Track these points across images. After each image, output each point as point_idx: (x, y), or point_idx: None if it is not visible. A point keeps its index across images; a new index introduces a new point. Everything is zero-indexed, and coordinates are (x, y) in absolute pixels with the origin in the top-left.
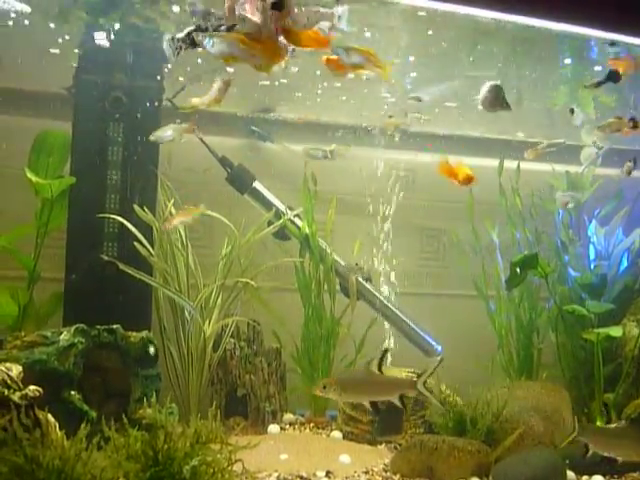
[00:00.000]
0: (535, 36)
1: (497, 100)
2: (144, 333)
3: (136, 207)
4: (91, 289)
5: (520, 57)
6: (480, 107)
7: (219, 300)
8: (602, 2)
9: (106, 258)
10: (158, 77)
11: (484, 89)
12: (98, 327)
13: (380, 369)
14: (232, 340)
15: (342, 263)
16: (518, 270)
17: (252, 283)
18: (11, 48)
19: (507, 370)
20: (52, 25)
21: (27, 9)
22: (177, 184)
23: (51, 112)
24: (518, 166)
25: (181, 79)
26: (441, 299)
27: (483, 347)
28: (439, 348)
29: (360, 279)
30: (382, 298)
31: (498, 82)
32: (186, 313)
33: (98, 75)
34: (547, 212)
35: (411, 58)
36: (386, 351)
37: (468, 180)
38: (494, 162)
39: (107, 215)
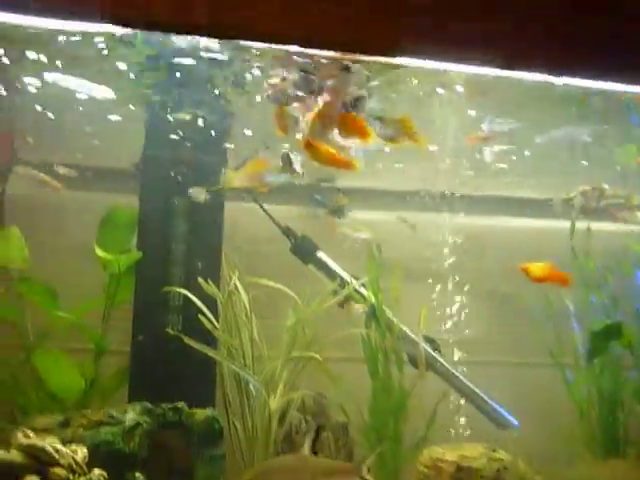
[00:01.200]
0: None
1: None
2: (209, 410)
3: (200, 280)
4: (156, 363)
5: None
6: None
7: (285, 373)
8: None
9: (171, 332)
10: (222, 151)
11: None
12: (163, 406)
13: (315, 452)
14: (298, 414)
15: (409, 333)
16: (600, 340)
17: (317, 357)
18: (83, 125)
19: (589, 446)
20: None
21: (111, 95)
22: (242, 254)
23: (120, 187)
24: (589, 228)
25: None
26: (513, 368)
27: (561, 420)
28: (515, 421)
29: (428, 349)
30: (452, 369)
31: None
32: (251, 387)
33: (164, 151)
34: (624, 275)
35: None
36: (320, 428)
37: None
38: (565, 224)
39: (172, 288)
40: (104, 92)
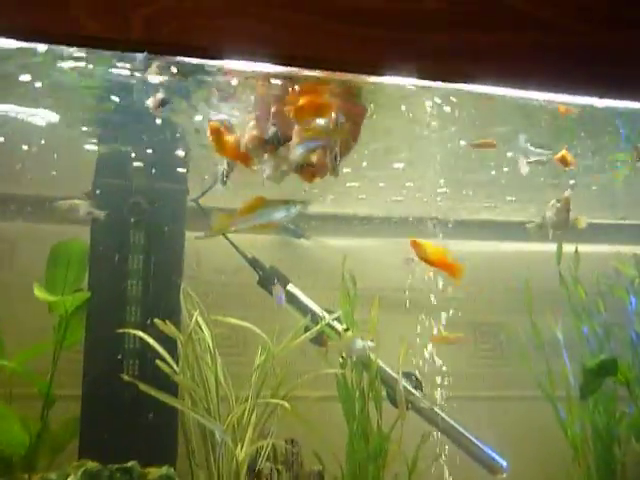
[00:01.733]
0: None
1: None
2: (164, 469)
3: (157, 321)
4: (109, 413)
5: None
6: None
7: (253, 417)
8: None
9: (126, 378)
10: (181, 178)
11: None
12: (111, 467)
13: None
14: (268, 464)
15: (388, 369)
16: (594, 377)
17: (285, 404)
18: (30, 154)
19: None
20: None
21: (55, 118)
22: (206, 287)
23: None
24: (576, 250)
25: (206, 177)
26: (500, 403)
27: (554, 458)
28: (504, 464)
29: (409, 386)
30: (435, 407)
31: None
32: (216, 436)
33: (117, 179)
34: (616, 300)
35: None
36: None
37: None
38: (551, 247)
39: (127, 330)
40: (48, 116)
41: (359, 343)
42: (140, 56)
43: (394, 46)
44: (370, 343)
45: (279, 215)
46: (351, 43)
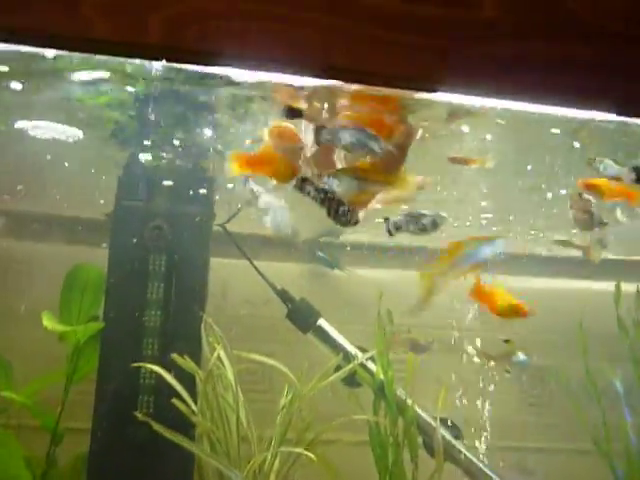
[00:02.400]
0: None
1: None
2: None
3: (176, 356)
4: (119, 453)
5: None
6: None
7: (276, 463)
8: None
9: (139, 416)
10: (207, 201)
11: None
12: None
13: None
14: None
15: (425, 415)
16: None
17: (311, 455)
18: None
19: None
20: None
21: (79, 134)
22: (232, 318)
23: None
24: (638, 290)
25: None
26: (550, 455)
27: None
28: None
29: (448, 435)
30: (476, 459)
31: None
32: None
33: (138, 200)
34: None
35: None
36: None
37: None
38: (609, 285)
39: (143, 364)
40: (74, 133)
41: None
42: (157, 64)
43: (446, 57)
44: None
45: (485, 252)
46: (399, 53)
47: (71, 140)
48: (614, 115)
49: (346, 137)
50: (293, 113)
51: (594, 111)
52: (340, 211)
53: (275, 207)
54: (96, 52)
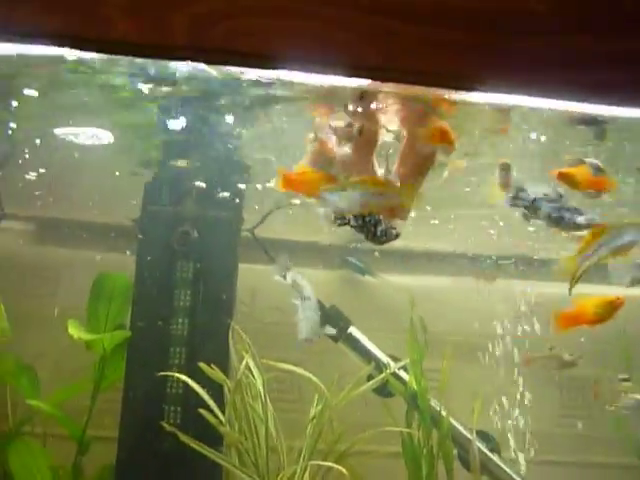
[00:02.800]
0: None
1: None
2: None
3: (203, 365)
4: (146, 464)
5: None
6: None
7: (306, 476)
8: None
9: (167, 427)
10: (236, 206)
11: None
12: None
13: None
14: None
15: (460, 427)
16: None
17: (342, 470)
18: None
19: None
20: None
21: (110, 138)
22: (261, 325)
23: (116, 245)
24: None
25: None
26: (590, 470)
27: None
28: None
29: (484, 448)
30: (513, 473)
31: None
32: None
33: (166, 206)
34: None
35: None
36: None
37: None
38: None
39: (169, 373)
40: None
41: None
42: (182, 65)
43: (486, 53)
44: None
45: (630, 237)
46: (435, 50)
47: (104, 142)
48: None
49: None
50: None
51: None
52: (378, 232)
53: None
54: (119, 53)
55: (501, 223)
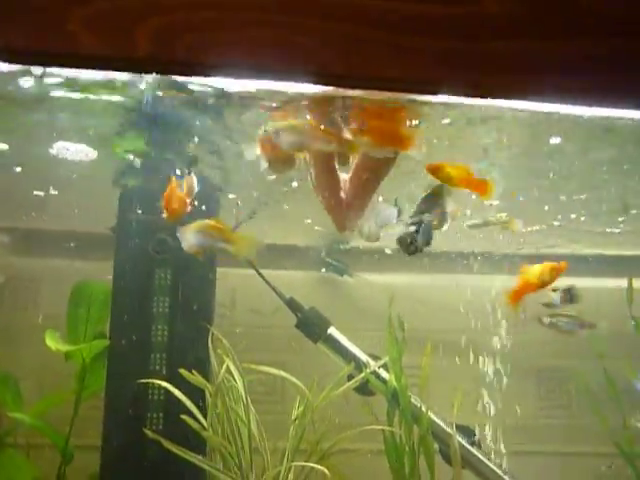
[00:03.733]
0: None
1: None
2: None
3: (183, 371)
4: (130, 472)
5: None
6: None
7: (290, 476)
8: None
9: (149, 433)
10: (212, 213)
11: None
12: None
13: None
14: None
15: (441, 422)
16: None
17: (325, 472)
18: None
19: None
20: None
21: (93, 155)
22: (241, 328)
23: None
24: None
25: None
26: (570, 459)
27: None
28: None
29: (464, 442)
30: (495, 466)
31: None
32: None
33: (142, 214)
34: None
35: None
36: None
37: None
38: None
39: (151, 380)
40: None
41: None
42: (148, 77)
43: (446, 58)
44: None
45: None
46: (398, 55)
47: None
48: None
49: None
50: None
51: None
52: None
53: None
54: (84, 67)
55: (478, 220)
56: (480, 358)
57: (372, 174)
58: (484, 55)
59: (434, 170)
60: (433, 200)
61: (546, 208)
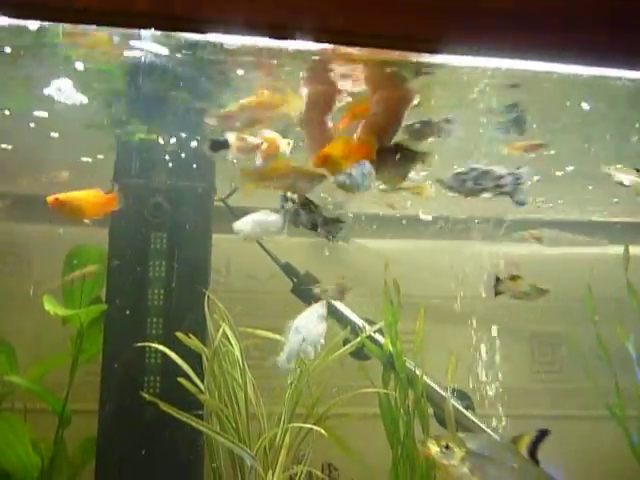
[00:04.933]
0: None
1: None
2: None
3: (180, 335)
4: (128, 434)
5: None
6: None
7: (286, 439)
8: None
9: (147, 396)
10: (207, 176)
11: None
12: None
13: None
14: None
15: (436, 386)
16: None
17: (321, 430)
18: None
19: None
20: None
21: (84, 100)
22: (237, 294)
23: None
24: None
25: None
26: (561, 422)
27: None
28: None
29: (459, 406)
30: (488, 429)
31: None
32: (247, 461)
33: (137, 178)
34: None
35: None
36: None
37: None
38: (618, 249)
39: (147, 344)
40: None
41: None
42: (146, 33)
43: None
44: None
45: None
46: (397, 13)
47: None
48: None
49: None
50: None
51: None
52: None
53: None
54: (81, 22)
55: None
56: (475, 324)
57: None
58: (484, 13)
59: (322, 163)
60: None
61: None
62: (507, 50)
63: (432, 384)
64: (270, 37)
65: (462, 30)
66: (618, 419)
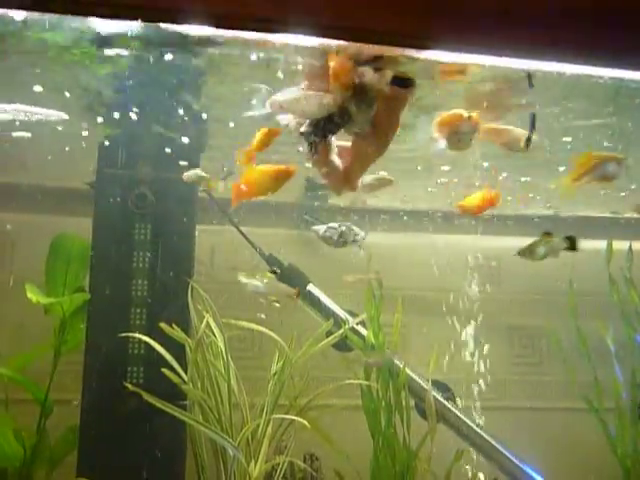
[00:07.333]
0: None
1: None
2: None
3: (163, 325)
4: (110, 424)
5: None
6: None
7: (269, 430)
8: None
9: (129, 387)
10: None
11: None
12: None
13: None
14: None
15: (417, 378)
16: None
17: (304, 422)
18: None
19: None
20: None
21: (65, 116)
22: (221, 285)
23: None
24: (630, 248)
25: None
26: (540, 414)
27: (600, 478)
28: None
29: (439, 397)
30: (468, 420)
31: None
32: (229, 451)
33: (121, 169)
34: None
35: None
36: None
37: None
38: (600, 244)
39: (131, 334)
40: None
41: None
42: (135, 24)
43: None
44: None
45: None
46: (387, 9)
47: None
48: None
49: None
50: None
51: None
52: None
53: None
54: (67, 13)
55: (455, 179)
56: (455, 316)
57: (372, 145)
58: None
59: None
60: None
61: None
62: (494, 48)
63: (413, 376)
64: (256, 31)
65: (449, 26)
66: (596, 412)
